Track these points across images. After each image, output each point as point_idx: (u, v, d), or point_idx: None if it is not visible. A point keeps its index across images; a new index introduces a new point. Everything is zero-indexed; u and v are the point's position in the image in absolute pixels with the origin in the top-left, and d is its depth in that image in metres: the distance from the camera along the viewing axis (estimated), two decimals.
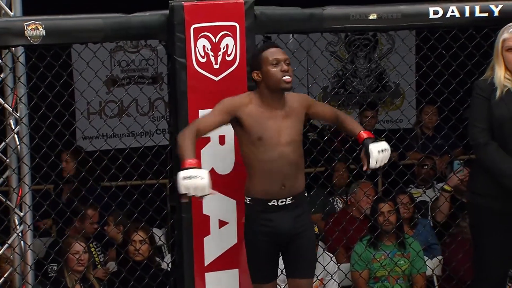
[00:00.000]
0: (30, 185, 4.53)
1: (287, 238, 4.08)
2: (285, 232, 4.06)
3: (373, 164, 4.11)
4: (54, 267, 5.33)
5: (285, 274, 4.27)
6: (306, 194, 4.21)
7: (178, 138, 3.96)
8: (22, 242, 4.54)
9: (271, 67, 4.03)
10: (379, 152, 4.11)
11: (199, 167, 3.84)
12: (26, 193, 4.50)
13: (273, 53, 4.06)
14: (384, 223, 5.52)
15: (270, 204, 4.04)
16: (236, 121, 4.05)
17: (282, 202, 4.04)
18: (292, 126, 4.07)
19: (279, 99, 4.07)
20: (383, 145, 4.16)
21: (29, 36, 4.16)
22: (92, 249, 5.73)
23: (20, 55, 4.42)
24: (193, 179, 3.76)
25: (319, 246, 5.64)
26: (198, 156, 4.16)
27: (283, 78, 4.03)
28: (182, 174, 3.77)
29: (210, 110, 4.07)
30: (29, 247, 4.53)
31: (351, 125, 4.26)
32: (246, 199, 4.10)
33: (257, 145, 4.01)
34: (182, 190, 3.78)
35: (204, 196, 3.80)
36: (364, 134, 4.19)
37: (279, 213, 4.05)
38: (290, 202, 4.05)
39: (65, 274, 5.11)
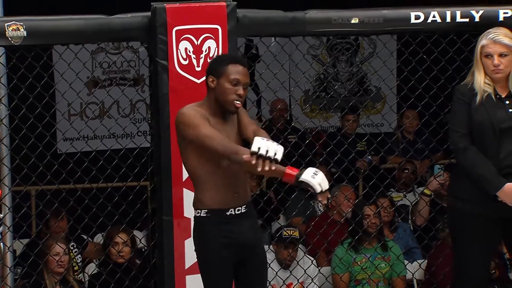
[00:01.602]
0: (10, 187, 4.50)
1: (247, 248, 3.96)
2: (246, 243, 3.95)
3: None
4: (18, 270, 5.27)
5: None
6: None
7: (238, 163, 3.77)
8: (1, 243, 4.51)
9: (228, 84, 3.87)
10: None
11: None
12: (6, 195, 4.48)
13: (238, 72, 3.86)
14: (370, 226, 5.55)
15: (228, 213, 3.91)
16: (190, 140, 3.87)
17: (238, 210, 3.93)
18: (235, 132, 3.98)
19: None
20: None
21: (10, 37, 4.14)
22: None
23: (0, 56, 4.40)
24: (319, 174, 3.74)
25: (299, 249, 5.66)
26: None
27: (235, 101, 3.88)
28: (307, 173, 3.71)
29: (201, 130, 3.83)
30: (8, 248, 4.51)
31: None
32: (200, 212, 3.93)
33: (210, 158, 3.87)
34: (319, 188, 3.73)
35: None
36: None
37: (238, 222, 3.93)
38: (245, 210, 3.95)
39: (45, 276, 5.08)
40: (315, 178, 3.75)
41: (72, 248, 5.81)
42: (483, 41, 4.29)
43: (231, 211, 3.92)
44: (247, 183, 4.01)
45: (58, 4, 6.86)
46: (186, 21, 4.30)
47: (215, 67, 3.92)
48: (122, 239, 5.33)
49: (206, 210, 3.92)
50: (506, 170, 4.24)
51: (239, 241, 3.94)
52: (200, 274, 4.06)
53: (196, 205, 3.96)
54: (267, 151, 3.64)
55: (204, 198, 3.92)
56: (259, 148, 3.64)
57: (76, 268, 5.72)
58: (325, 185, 3.77)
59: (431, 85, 4.98)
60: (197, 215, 3.96)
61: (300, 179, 3.74)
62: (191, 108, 3.94)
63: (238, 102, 3.88)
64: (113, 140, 5.66)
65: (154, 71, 4.35)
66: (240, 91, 3.88)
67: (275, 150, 3.65)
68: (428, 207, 6.11)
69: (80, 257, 5.86)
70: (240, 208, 3.94)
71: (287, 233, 5.57)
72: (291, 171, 3.76)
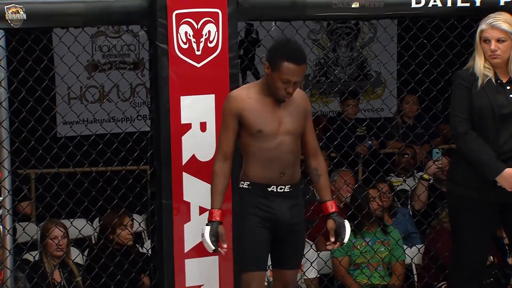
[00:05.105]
0: (10, 170, 4.50)
1: (283, 226, 4.07)
2: (282, 220, 4.06)
3: (347, 238, 4.17)
4: None
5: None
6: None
7: (213, 173, 4.06)
8: (1, 226, 4.51)
9: (279, 81, 3.98)
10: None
11: (214, 219, 4.01)
12: (6, 178, 4.48)
13: (290, 72, 3.95)
14: (377, 208, 5.56)
15: (269, 189, 4.05)
16: (238, 120, 4.06)
17: (281, 189, 4.05)
18: (292, 115, 4.08)
19: None
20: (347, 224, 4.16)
21: (10, 20, 4.13)
22: None
23: (0, 39, 4.38)
24: (202, 237, 4.02)
25: None
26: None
27: (284, 96, 4.02)
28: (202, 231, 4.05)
29: (221, 124, 4.08)
30: (8, 231, 4.51)
31: (324, 184, 4.19)
32: (243, 184, 4.09)
33: (257, 136, 4.03)
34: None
35: (217, 251, 4.01)
36: (333, 207, 4.17)
37: (277, 200, 4.05)
38: (288, 190, 4.07)
39: (43, 259, 5.09)
40: (203, 237, 4.03)
41: None
42: (482, 25, 4.29)
43: (273, 188, 4.05)
44: (295, 165, 4.11)
45: None
46: (186, 5, 4.29)
47: (272, 58, 4.01)
48: (129, 224, 5.33)
49: (248, 183, 4.07)
50: (506, 155, 4.24)
51: (275, 217, 4.05)
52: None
53: (242, 177, 4.11)
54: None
55: (249, 172, 4.07)
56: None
57: None
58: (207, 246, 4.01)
59: (431, 70, 4.97)
60: (240, 186, 4.11)
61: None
62: (238, 93, 4.07)
63: (287, 97, 4.01)
64: (113, 123, 5.64)
65: (154, 55, 4.34)
66: (290, 89, 3.99)
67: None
68: (427, 192, 6.12)
69: None
70: (283, 187, 4.05)
71: None
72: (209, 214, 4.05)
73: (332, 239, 4.15)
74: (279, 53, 4.00)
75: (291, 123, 4.07)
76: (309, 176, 4.31)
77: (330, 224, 4.17)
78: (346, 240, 4.16)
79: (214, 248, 4.01)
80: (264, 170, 4.04)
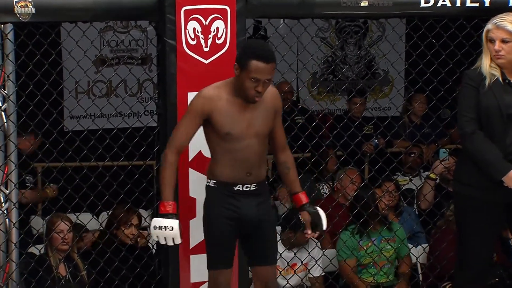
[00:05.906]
0: (16, 163, 4.51)
1: (250, 224, 4.08)
2: (249, 219, 4.07)
3: (325, 226, 4.18)
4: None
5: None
6: (266, 182, 4.21)
7: (162, 165, 4.02)
8: (7, 219, 4.52)
9: (248, 81, 3.93)
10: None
11: (173, 212, 3.96)
12: (12, 171, 4.49)
13: (258, 70, 3.90)
14: (383, 208, 5.57)
15: (235, 188, 4.05)
16: (206, 120, 4.03)
17: (247, 187, 4.06)
18: (262, 117, 4.06)
19: None
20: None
21: (18, 13, 4.14)
22: None
23: (9, 32, 4.39)
24: (163, 230, 3.93)
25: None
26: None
27: (254, 96, 3.97)
28: (153, 223, 3.97)
29: (183, 117, 4.04)
30: (14, 225, 4.52)
31: (293, 177, 4.20)
32: (210, 182, 4.08)
33: (225, 138, 4.01)
34: (154, 238, 3.98)
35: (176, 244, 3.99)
36: (303, 198, 4.19)
37: (244, 198, 4.06)
38: (255, 188, 4.07)
39: (49, 253, 5.10)
40: (172, 230, 3.97)
41: None
42: (488, 25, 4.28)
43: (239, 187, 4.04)
44: (261, 165, 4.11)
45: None
46: (195, 1, 4.29)
47: (240, 57, 3.98)
48: (135, 221, 5.33)
49: (214, 181, 4.06)
50: None
51: (242, 215, 4.06)
52: (205, 254, 4.09)
53: (208, 175, 4.10)
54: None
55: (216, 171, 4.06)
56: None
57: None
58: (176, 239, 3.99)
59: (439, 69, 4.96)
60: (207, 184, 4.10)
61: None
62: (209, 93, 4.03)
63: (257, 97, 3.97)
64: (120, 119, 5.66)
65: (162, 51, 4.34)
66: (259, 88, 3.95)
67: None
68: (433, 192, 6.11)
69: None
70: (249, 185, 4.06)
71: None
72: (163, 207, 3.99)
73: (309, 231, 4.18)
74: (247, 52, 3.95)
75: (259, 125, 4.05)
76: (315, 175, 4.31)
77: (305, 216, 4.19)
78: (325, 227, 4.20)
79: (181, 241, 4.01)
80: (231, 170, 4.03)
